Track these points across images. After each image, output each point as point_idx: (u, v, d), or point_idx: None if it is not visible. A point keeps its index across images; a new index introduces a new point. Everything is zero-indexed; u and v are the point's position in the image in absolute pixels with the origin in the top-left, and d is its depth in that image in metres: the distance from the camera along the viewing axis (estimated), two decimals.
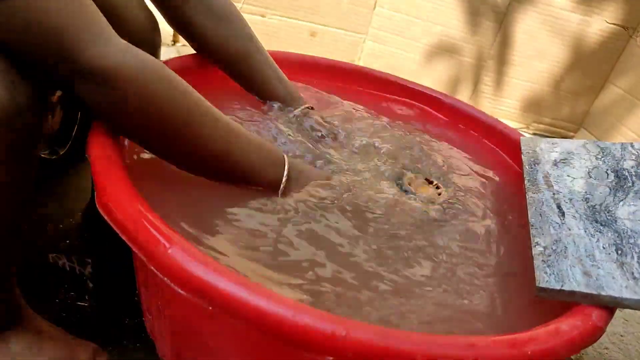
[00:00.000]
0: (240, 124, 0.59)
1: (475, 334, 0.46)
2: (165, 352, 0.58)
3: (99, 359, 0.62)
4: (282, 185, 0.57)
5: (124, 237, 0.43)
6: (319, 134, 0.73)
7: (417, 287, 0.51)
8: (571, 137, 1.84)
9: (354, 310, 0.46)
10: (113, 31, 0.47)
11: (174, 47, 1.70)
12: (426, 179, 0.71)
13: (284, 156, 0.59)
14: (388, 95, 0.94)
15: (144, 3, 0.71)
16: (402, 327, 0.46)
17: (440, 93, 0.95)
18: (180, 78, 0.51)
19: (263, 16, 1.73)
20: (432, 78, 1.79)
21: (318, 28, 1.77)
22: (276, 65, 0.79)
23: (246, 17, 1.75)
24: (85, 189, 0.93)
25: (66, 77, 0.45)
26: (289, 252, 0.51)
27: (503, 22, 1.67)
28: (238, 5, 1.68)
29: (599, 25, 1.64)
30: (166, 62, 0.74)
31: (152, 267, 0.40)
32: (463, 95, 1.80)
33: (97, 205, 0.45)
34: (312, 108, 0.79)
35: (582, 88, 1.75)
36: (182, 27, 0.74)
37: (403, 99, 0.94)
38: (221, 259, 0.47)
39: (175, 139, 0.51)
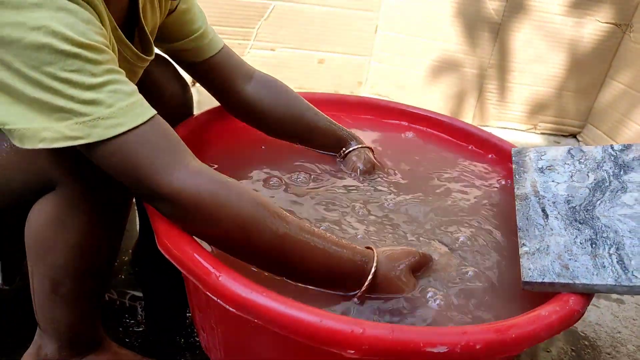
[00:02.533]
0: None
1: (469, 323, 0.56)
2: None
3: None
4: (359, 292, 0.59)
5: (182, 270, 0.54)
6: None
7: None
8: (578, 133, 1.91)
9: None
10: (187, 155, 0.53)
11: (194, 87, 1.84)
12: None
13: (372, 255, 0.59)
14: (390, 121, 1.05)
15: (177, 71, 0.84)
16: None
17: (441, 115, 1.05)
18: (243, 192, 0.54)
19: (273, 50, 1.86)
20: (438, 91, 1.89)
21: (325, 55, 1.89)
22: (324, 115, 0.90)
23: (257, 52, 1.90)
24: (133, 230, 1.06)
25: (145, 196, 0.54)
26: None
27: (499, 32, 1.76)
28: (249, 43, 1.82)
29: (592, 25, 1.72)
30: (197, 116, 0.86)
31: (207, 292, 0.51)
32: (469, 104, 1.89)
33: (158, 246, 0.56)
34: (371, 149, 0.90)
35: (583, 86, 1.82)
36: (244, 107, 0.86)
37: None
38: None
39: (239, 248, 0.56)
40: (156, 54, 0.80)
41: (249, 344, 0.59)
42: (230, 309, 0.50)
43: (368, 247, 0.62)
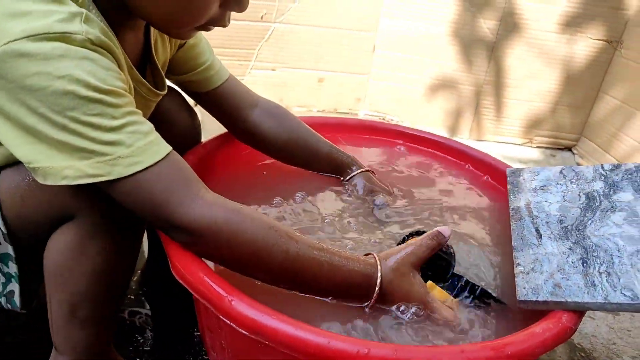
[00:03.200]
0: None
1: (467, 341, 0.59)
2: None
3: None
4: (370, 303, 0.62)
5: (195, 295, 0.57)
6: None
7: None
8: (573, 146, 1.95)
9: None
10: (201, 187, 0.57)
11: (195, 107, 1.88)
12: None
13: (377, 270, 0.62)
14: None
15: (185, 100, 0.89)
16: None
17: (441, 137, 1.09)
18: (254, 218, 0.58)
19: (274, 70, 1.90)
20: (435, 108, 1.94)
21: (325, 74, 1.94)
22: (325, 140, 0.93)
23: (257, 72, 1.95)
24: (142, 250, 1.09)
25: (164, 228, 0.58)
26: None
27: (494, 50, 1.81)
28: (250, 63, 1.87)
29: (584, 42, 1.77)
30: (205, 144, 0.90)
31: (221, 316, 0.54)
32: (466, 120, 1.93)
33: (172, 272, 0.59)
34: (372, 172, 0.93)
35: (577, 100, 1.86)
36: (251, 134, 0.90)
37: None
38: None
39: (254, 270, 0.60)
40: (168, 86, 0.84)
41: None
42: (243, 331, 0.53)
43: (368, 254, 0.65)
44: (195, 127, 0.91)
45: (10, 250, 0.62)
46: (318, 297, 0.62)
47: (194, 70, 0.81)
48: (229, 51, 1.82)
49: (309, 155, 0.92)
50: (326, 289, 0.61)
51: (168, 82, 0.85)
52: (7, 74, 0.48)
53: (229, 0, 0.60)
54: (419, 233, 0.73)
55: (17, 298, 0.66)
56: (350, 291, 0.62)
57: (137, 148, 0.52)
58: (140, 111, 0.55)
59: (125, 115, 0.52)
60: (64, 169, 0.51)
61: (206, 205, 0.56)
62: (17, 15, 0.49)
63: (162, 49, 0.74)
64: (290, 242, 0.58)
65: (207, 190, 0.58)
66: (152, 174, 0.53)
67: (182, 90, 0.86)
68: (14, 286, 0.65)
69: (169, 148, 0.56)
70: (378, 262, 0.62)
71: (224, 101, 0.86)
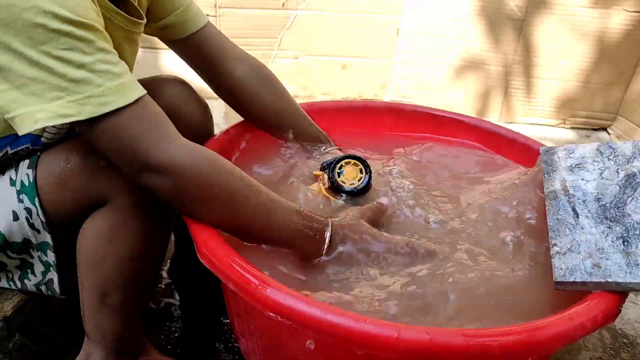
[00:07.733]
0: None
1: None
2: None
3: None
4: (323, 250, 0.64)
5: (222, 279, 0.57)
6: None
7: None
8: (609, 126, 1.87)
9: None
10: (175, 132, 0.57)
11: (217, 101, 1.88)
12: None
13: (327, 222, 0.65)
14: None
15: (195, 93, 0.84)
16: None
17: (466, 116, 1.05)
18: (228, 164, 0.61)
19: (296, 58, 1.89)
20: (463, 90, 1.89)
21: (348, 60, 1.91)
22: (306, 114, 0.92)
23: (280, 60, 1.93)
24: (170, 242, 1.10)
25: (140, 170, 0.55)
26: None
27: (522, 28, 1.75)
28: (272, 52, 1.86)
29: (620, 15, 1.69)
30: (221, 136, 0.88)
31: (253, 304, 0.53)
32: (495, 102, 1.88)
33: (200, 259, 0.59)
34: (340, 149, 0.92)
35: (612, 78, 1.78)
36: (234, 91, 0.87)
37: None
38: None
39: (225, 214, 0.60)
40: (174, 77, 0.82)
41: (287, 347, 0.62)
42: (272, 315, 0.52)
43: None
44: (206, 120, 0.86)
45: (49, 239, 0.63)
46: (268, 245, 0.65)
47: (170, 14, 0.76)
48: (252, 40, 1.81)
49: (286, 129, 0.89)
50: (278, 237, 0.63)
51: (172, 71, 0.81)
52: None
53: None
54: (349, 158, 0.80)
55: (56, 286, 0.67)
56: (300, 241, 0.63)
57: (107, 88, 0.51)
58: (115, 51, 0.54)
59: (97, 51, 0.51)
60: (36, 113, 0.50)
61: (187, 147, 0.55)
62: None
63: None
64: (256, 191, 0.61)
65: (180, 136, 0.57)
66: (126, 116, 0.52)
67: (162, 41, 0.81)
68: (53, 275, 0.66)
69: (143, 91, 0.54)
70: (329, 221, 0.65)
71: (204, 49, 0.81)
